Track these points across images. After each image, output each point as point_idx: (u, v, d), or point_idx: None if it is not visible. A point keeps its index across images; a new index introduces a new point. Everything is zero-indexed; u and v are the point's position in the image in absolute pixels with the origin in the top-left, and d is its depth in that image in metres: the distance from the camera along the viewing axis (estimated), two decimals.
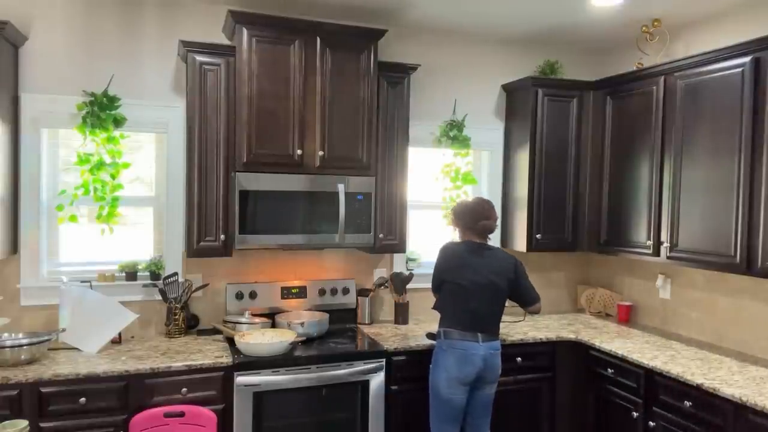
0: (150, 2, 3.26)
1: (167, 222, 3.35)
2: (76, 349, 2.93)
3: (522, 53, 4.05)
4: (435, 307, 3.07)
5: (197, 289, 3.32)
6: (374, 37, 3.31)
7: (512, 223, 3.96)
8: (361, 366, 3.04)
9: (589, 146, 3.84)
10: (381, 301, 3.79)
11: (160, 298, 3.23)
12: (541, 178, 3.79)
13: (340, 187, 3.22)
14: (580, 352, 3.46)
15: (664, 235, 3.26)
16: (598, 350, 3.33)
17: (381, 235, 3.43)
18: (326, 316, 3.38)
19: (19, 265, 3.08)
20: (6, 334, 2.85)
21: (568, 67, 4.03)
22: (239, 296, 3.39)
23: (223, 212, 3.13)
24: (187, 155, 3.14)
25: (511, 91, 4.02)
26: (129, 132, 3.24)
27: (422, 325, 3.62)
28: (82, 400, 2.61)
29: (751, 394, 2.48)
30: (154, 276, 3.29)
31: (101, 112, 3.08)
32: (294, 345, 3.06)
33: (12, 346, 2.69)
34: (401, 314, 3.68)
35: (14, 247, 3.05)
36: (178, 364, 2.78)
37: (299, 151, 3.17)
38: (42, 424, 2.57)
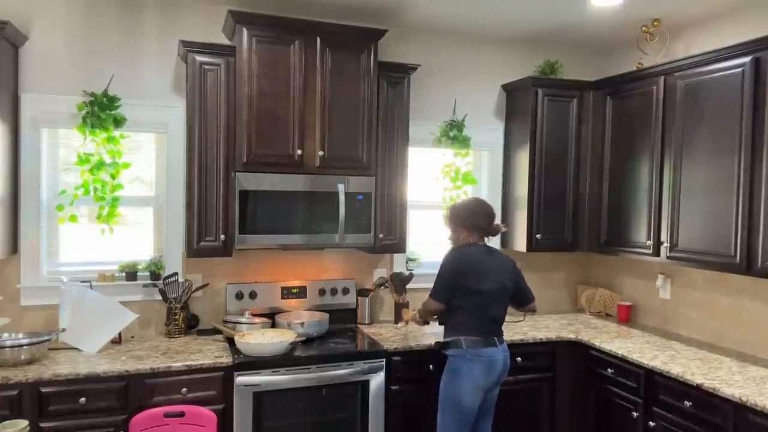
0: (150, 2, 3.26)
1: (167, 222, 3.35)
2: (76, 349, 2.93)
3: (522, 53, 4.05)
4: (444, 316, 2.92)
5: (197, 289, 3.32)
6: (374, 37, 3.31)
7: (512, 223, 3.96)
8: (361, 366, 3.04)
9: (589, 146, 3.84)
10: (381, 301, 3.79)
11: (160, 298, 3.23)
12: (541, 178, 3.79)
13: (340, 187, 3.22)
14: (580, 352, 3.46)
15: (664, 235, 3.26)
16: (598, 350, 3.33)
17: (381, 235, 3.43)
18: (326, 316, 3.38)
19: (19, 265, 3.08)
20: (6, 334, 2.85)
21: (568, 67, 4.03)
22: (239, 296, 3.39)
23: (223, 212, 3.13)
24: (187, 155, 3.14)
25: (511, 91, 4.02)
26: (129, 132, 3.24)
27: (422, 325, 3.61)
28: (82, 400, 2.61)
29: (751, 394, 2.48)
30: (154, 276, 3.29)
31: (101, 112, 3.08)
32: (294, 345, 3.06)
33: (12, 346, 2.69)
34: (401, 314, 3.68)
35: (14, 247, 3.05)
36: (178, 364, 2.78)
37: (299, 151, 3.17)
38: (42, 424, 2.57)
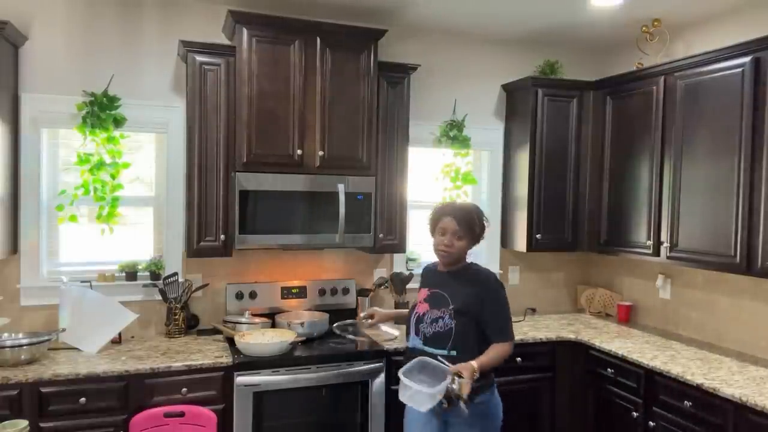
0: (150, 2, 3.26)
1: (167, 222, 3.35)
2: (76, 349, 2.93)
3: (522, 53, 4.04)
4: (465, 353, 2.35)
5: (197, 289, 3.32)
6: (374, 37, 3.31)
7: (512, 223, 3.96)
8: (361, 366, 3.04)
9: (589, 146, 3.84)
10: (381, 301, 3.79)
11: (160, 298, 3.23)
12: (541, 178, 3.79)
13: (340, 187, 3.21)
14: (580, 352, 3.46)
15: (664, 235, 3.26)
16: (598, 350, 3.33)
17: (381, 235, 3.43)
18: (326, 316, 3.38)
19: (19, 265, 3.08)
20: (6, 334, 2.85)
21: (568, 67, 4.03)
22: (239, 296, 3.39)
23: (223, 212, 3.13)
24: (187, 155, 3.14)
25: (511, 91, 4.01)
26: (129, 132, 3.24)
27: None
28: (82, 400, 2.61)
29: (751, 394, 2.48)
30: (154, 276, 3.29)
31: (101, 112, 3.08)
32: (294, 345, 3.06)
33: (12, 346, 2.69)
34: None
35: (14, 247, 3.04)
36: (178, 364, 2.78)
37: (299, 151, 3.17)
38: (42, 424, 2.57)
